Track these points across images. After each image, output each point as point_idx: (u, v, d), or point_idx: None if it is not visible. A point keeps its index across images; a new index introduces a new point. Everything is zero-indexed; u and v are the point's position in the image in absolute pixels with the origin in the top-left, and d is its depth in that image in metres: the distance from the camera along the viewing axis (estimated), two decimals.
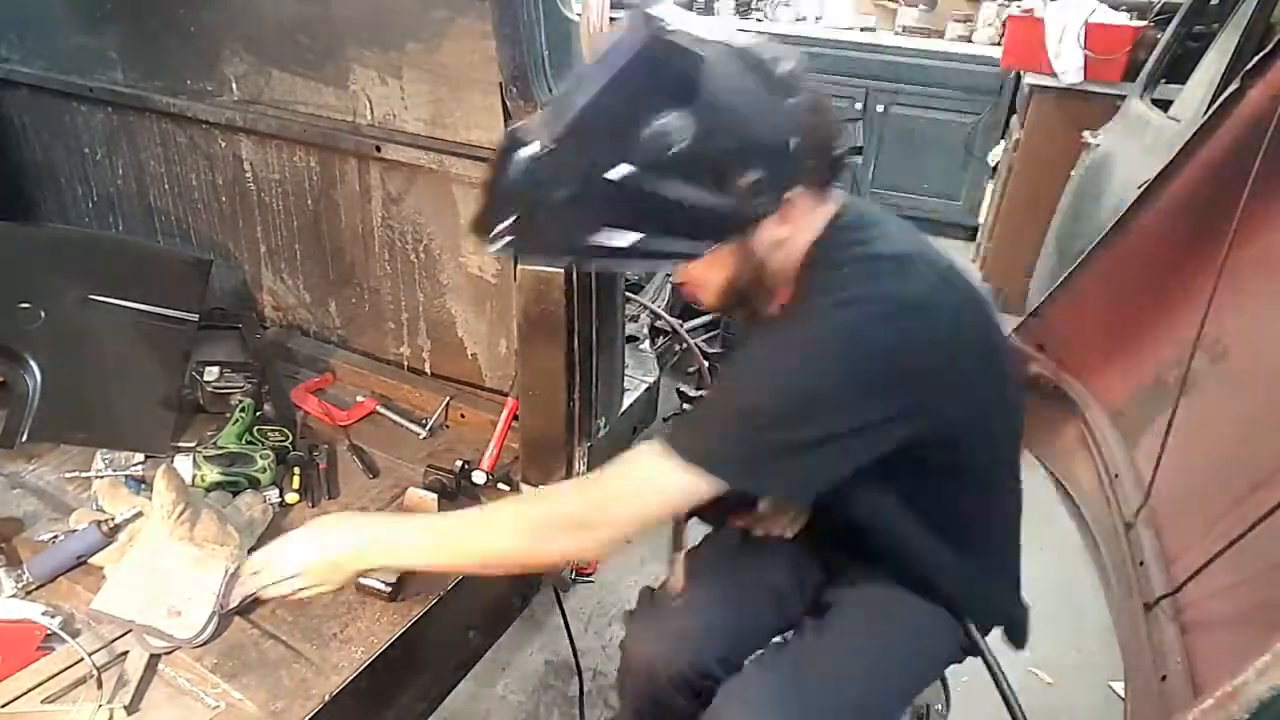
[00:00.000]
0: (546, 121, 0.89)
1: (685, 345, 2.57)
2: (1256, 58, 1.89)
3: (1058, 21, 3.18)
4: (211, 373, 1.74)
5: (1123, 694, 1.82)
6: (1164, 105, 2.81)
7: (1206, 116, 2.04)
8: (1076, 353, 2.51)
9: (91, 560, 1.30)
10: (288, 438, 1.61)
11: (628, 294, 2.02)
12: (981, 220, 3.97)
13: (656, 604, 1.27)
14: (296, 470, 1.55)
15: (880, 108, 4.30)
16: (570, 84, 0.91)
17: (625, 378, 1.75)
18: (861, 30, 4.52)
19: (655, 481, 0.97)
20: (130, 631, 1.20)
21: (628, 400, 1.76)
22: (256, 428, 1.61)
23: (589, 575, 2.10)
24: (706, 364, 2.55)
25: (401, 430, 1.76)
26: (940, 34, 4.39)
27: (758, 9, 4.81)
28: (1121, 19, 3.22)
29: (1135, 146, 2.69)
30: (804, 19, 4.68)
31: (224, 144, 1.87)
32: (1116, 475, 2.18)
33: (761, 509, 1.33)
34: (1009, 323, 2.78)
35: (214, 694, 1.13)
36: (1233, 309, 1.84)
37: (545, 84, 1.30)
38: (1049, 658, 1.96)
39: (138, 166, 2.03)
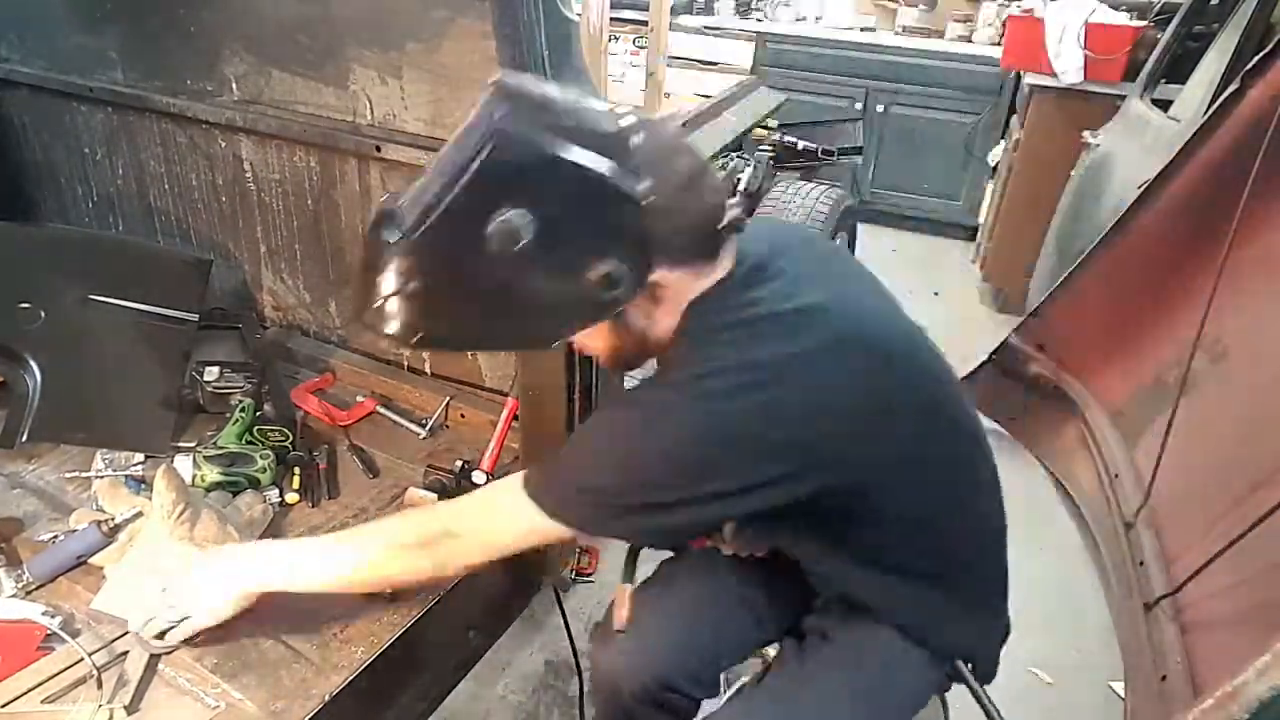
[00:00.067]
0: (408, 208, 0.90)
1: None
2: (1256, 58, 1.90)
3: (1058, 21, 3.17)
4: (211, 373, 1.74)
5: (1123, 694, 1.82)
6: (1164, 105, 2.82)
7: (1206, 116, 2.05)
8: (1076, 353, 2.51)
9: (91, 560, 1.30)
10: (288, 438, 1.61)
11: None
12: (981, 220, 3.97)
13: (605, 634, 1.25)
14: (296, 470, 1.55)
15: (880, 108, 4.30)
16: (431, 168, 0.91)
17: (625, 377, 1.75)
18: (861, 30, 4.51)
19: (508, 515, 1.02)
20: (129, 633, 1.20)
21: None
22: (256, 428, 1.61)
23: (589, 575, 2.11)
24: None
25: (401, 430, 1.76)
26: (940, 34, 4.39)
27: (758, 9, 4.81)
28: (1121, 19, 3.22)
29: (1135, 146, 2.69)
30: (804, 19, 4.68)
31: (224, 144, 1.87)
32: (1116, 475, 2.18)
33: (717, 537, 1.29)
34: (1009, 323, 2.79)
35: (214, 694, 1.13)
36: (1233, 309, 1.84)
37: None
38: (1049, 658, 1.95)
39: (138, 166, 2.03)
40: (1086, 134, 3.01)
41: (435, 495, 1.48)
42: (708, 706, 1.23)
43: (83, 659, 1.14)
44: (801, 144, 3.02)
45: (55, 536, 1.36)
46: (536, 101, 0.91)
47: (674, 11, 3.88)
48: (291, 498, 1.50)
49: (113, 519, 1.33)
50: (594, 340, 1.01)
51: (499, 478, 1.54)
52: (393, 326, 0.94)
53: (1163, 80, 2.96)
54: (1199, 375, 1.88)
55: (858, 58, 4.31)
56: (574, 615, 1.92)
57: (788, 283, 0.97)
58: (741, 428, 0.90)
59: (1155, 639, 1.70)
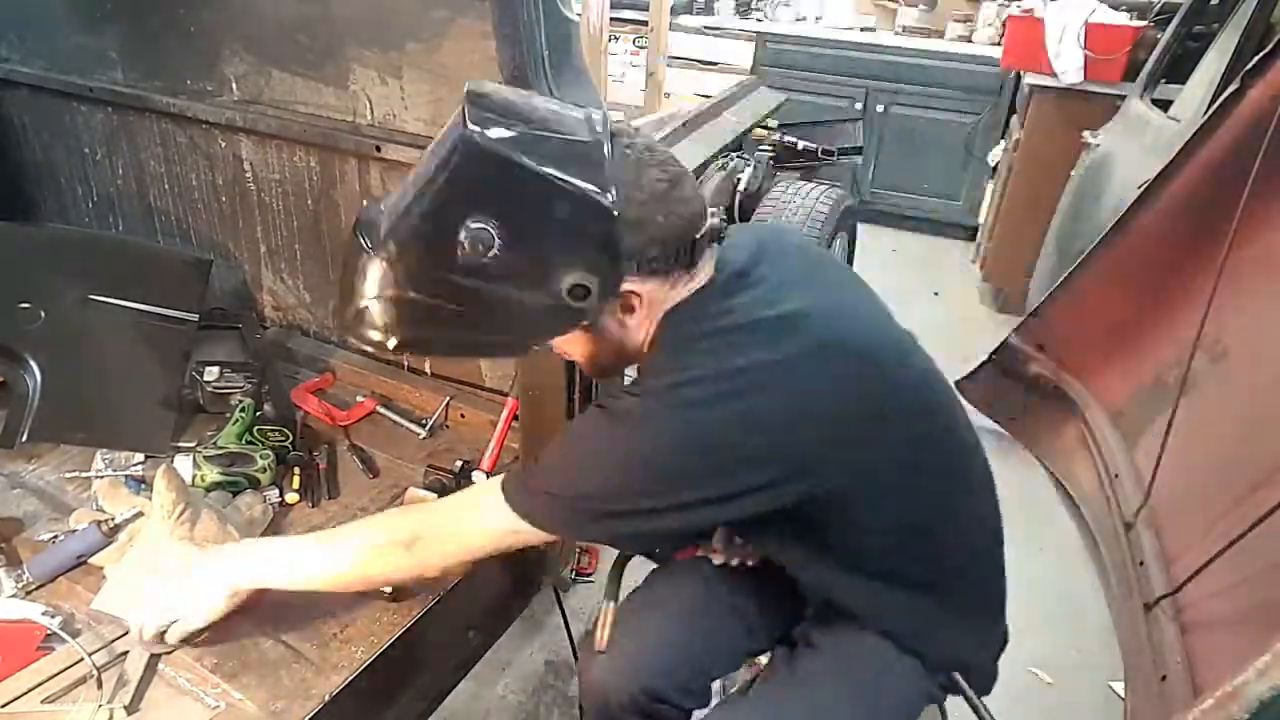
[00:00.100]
0: (384, 216, 0.92)
1: None
2: (1256, 58, 1.90)
3: (1058, 21, 3.18)
4: (211, 373, 1.74)
5: (1123, 694, 1.82)
6: (1164, 105, 2.82)
7: (1206, 116, 2.05)
8: (1076, 353, 2.51)
9: (91, 560, 1.30)
10: (288, 438, 1.61)
11: None
12: (981, 220, 3.97)
13: (586, 649, 1.24)
14: (296, 470, 1.55)
15: (880, 108, 4.31)
16: (408, 177, 0.93)
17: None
18: (861, 30, 4.52)
19: (487, 517, 1.02)
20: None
21: None
22: (256, 428, 1.61)
23: (589, 575, 2.11)
24: None
25: (401, 430, 1.76)
26: (940, 34, 4.39)
27: (758, 9, 4.81)
28: (1121, 19, 3.22)
29: (1135, 146, 2.69)
30: (804, 19, 4.68)
31: (224, 144, 1.87)
32: (1116, 475, 2.18)
33: (706, 546, 1.29)
34: (1009, 323, 2.79)
35: (214, 694, 1.13)
36: (1233, 309, 1.84)
37: (545, 84, 1.30)
38: (1049, 658, 1.95)
39: (138, 166, 2.03)
40: (1086, 134, 3.01)
41: (435, 495, 1.48)
42: (698, 717, 1.22)
43: (83, 659, 1.14)
44: (801, 144, 3.02)
45: (55, 536, 1.36)
46: (506, 111, 0.90)
47: (674, 11, 3.89)
48: (291, 498, 1.50)
49: (113, 519, 1.33)
50: (572, 347, 1.02)
51: None
52: (371, 332, 0.96)
53: (1163, 80, 2.96)
54: (1199, 375, 1.88)
55: (858, 58, 4.32)
56: (574, 615, 1.92)
57: (769, 289, 0.97)
58: (720, 436, 0.90)
59: (1155, 639, 1.70)
